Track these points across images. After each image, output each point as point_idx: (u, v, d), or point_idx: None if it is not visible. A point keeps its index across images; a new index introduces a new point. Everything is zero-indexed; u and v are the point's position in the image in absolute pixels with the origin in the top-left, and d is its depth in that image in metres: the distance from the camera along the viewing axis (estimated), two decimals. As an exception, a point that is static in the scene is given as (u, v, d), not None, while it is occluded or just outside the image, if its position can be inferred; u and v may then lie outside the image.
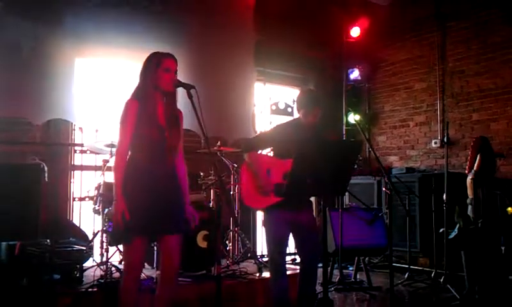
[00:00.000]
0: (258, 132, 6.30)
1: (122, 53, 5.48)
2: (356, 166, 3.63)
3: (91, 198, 4.83)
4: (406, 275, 5.86)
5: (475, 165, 4.95)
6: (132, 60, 4.96)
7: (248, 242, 5.40)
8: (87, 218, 5.40)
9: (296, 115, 3.90)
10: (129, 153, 2.95)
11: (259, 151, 3.87)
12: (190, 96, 2.82)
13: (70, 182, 5.59)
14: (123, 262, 3.00)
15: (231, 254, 5.28)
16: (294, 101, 3.99)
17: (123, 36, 5.44)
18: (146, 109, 2.92)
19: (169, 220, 2.92)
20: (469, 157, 5.15)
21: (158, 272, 4.10)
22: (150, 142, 2.91)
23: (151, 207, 2.85)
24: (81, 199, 5.45)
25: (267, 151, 4.32)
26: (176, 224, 2.96)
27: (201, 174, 4.99)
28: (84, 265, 4.21)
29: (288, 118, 5.07)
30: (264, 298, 4.16)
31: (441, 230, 5.54)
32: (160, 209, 2.87)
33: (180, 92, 3.00)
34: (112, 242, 4.34)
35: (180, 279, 3.99)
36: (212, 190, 5.09)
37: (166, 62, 2.95)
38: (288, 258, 6.01)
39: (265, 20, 6.77)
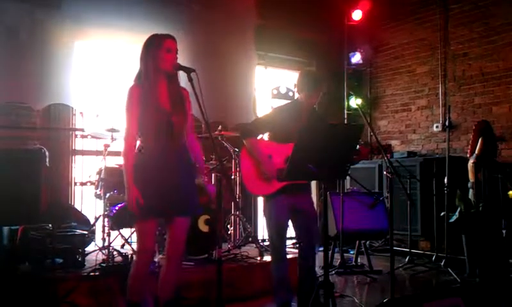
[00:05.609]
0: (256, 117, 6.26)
1: (123, 36, 5.44)
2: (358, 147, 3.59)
3: (92, 183, 4.84)
4: (406, 259, 5.88)
5: (477, 149, 4.94)
6: (132, 43, 4.91)
7: (249, 226, 5.41)
8: (88, 203, 5.42)
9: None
10: (137, 139, 2.91)
11: (259, 136, 3.83)
12: (190, 80, 2.79)
13: (71, 167, 5.60)
14: (135, 246, 3.00)
15: (232, 239, 5.30)
16: (295, 85, 3.91)
17: (124, 18, 5.39)
18: (150, 93, 2.87)
19: (180, 202, 2.90)
20: (471, 141, 5.14)
21: (160, 256, 4.12)
22: (156, 128, 2.86)
23: (162, 191, 2.83)
24: (82, 184, 5.46)
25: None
26: (187, 206, 2.95)
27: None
28: (86, 249, 4.23)
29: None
30: (265, 282, 4.18)
31: (442, 214, 5.55)
32: (171, 192, 2.85)
33: (181, 76, 2.96)
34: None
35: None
36: (213, 175, 5.09)
37: (167, 43, 2.90)
38: (289, 242, 6.03)
39: (266, 4, 6.71)
